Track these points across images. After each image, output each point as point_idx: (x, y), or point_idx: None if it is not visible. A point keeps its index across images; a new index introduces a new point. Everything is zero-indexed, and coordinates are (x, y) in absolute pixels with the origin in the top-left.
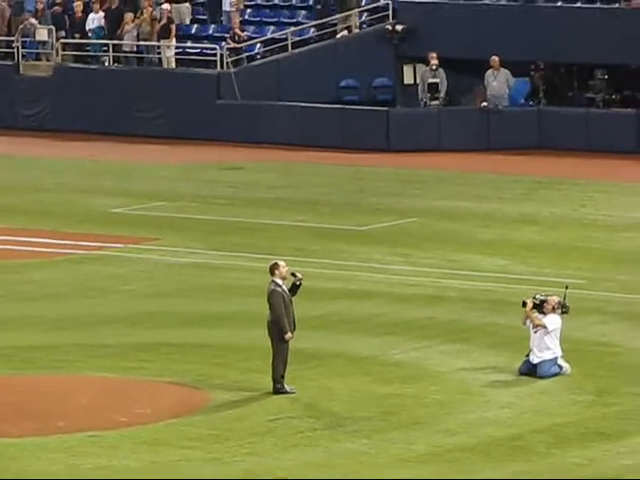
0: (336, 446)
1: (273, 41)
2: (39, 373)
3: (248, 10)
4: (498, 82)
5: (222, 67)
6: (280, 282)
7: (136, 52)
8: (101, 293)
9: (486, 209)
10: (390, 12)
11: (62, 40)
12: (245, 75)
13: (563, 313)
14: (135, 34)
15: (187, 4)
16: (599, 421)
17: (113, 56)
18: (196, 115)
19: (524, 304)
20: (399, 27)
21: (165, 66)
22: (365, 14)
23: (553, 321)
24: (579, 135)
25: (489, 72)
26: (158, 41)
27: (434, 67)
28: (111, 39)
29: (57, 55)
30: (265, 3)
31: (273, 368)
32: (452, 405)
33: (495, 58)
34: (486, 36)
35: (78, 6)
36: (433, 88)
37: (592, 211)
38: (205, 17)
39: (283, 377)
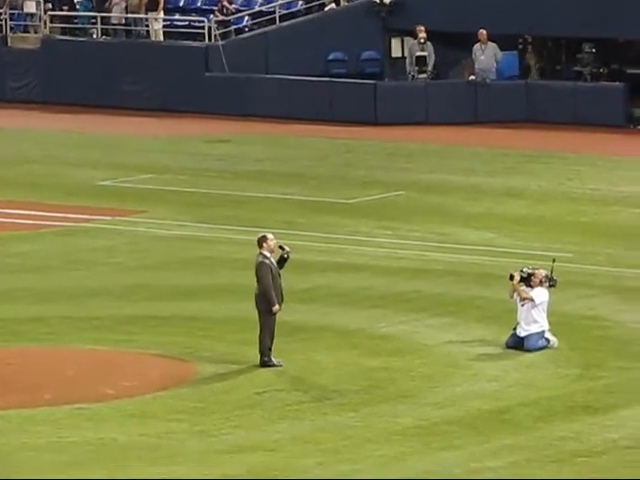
0: (323, 419)
1: (261, 14)
2: (26, 345)
3: None
4: (486, 56)
5: (210, 40)
6: (268, 254)
7: (124, 25)
8: (88, 265)
9: (474, 182)
10: None
11: (50, 12)
12: (233, 48)
13: (550, 286)
14: (123, 6)
15: None
16: (586, 394)
17: (101, 29)
18: (184, 88)
19: (511, 277)
20: (387, 0)
21: (153, 39)
22: None
23: (540, 294)
24: (567, 109)
25: (477, 46)
26: (146, 14)
27: (422, 40)
28: (99, 11)
29: (45, 27)
30: None
31: (260, 341)
32: (439, 378)
33: (483, 32)
34: (474, 9)
35: None
36: (421, 61)
37: (580, 185)
38: None
39: (270, 350)
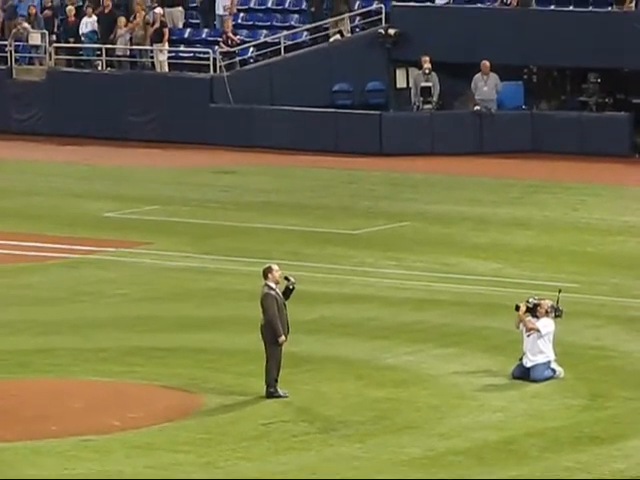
0: (329, 450)
1: (266, 45)
2: (31, 377)
3: (241, 14)
4: (488, 86)
5: (215, 71)
6: (273, 286)
7: (129, 56)
8: (94, 297)
9: (479, 213)
10: (383, 16)
11: (55, 44)
12: (238, 79)
13: (556, 317)
14: (128, 38)
15: (180, 8)
16: (592, 425)
17: (106, 60)
18: (189, 119)
19: (517, 308)
20: (392, 31)
21: (158, 70)
22: (358, 18)
23: (546, 325)
24: (572, 139)
25: (478, 76)
26: (151, 45)
27: (427, 71)
28: (104, 43)
29: (50, 59)
30: (258, 7)
31: (266, 372)
32: (445, 409)
33: (486, 63)
34: (479, 40)
35: (71, 10)
36: (426, 92)
37: (585, 215)
38: (198, 21)
39: (276, 381)
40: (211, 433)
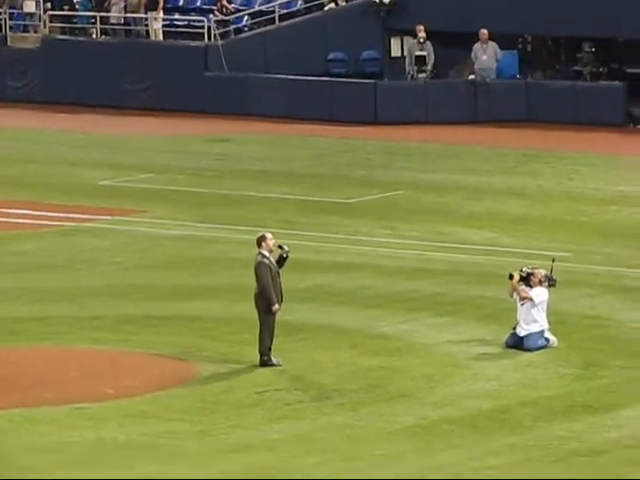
0: (323, 419)
1: (261, 13)
2: (26, 345)
3: None
4: (487, 55)
5: (210, 39)
6: (267, 254)
7: (123, 24)
8: (88, 265)
9: (473, 182)
10: None
11: (49, 12)
12: (233, 47)
13: (550, 286)
14: (122, 6)
15: None
16: (586, 394)
17: (100, 28)
18: (184, 87)
19: (511, 277)
20: (386, 0)
21: (153, 38)
22: None
23: (540, 294)
24: (567, 108)
25: (477, 45)
26: (145, 13)
27: (421, 40)
28: (98, 11)
29: (45, 27)
30: None
31: (260, 340)
32: (438, 378)
33: (484, 31)
34: (473, 9)
35: None
36: (420, 61)
37: (579, 184)
38: None
39: (270, 349)
40: (205, 401)
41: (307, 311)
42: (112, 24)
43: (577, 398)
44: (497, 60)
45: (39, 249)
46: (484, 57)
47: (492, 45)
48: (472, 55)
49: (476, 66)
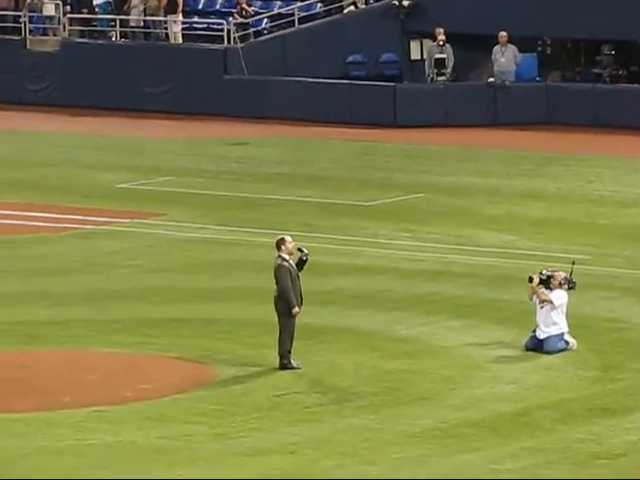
0: (342, 422)
1: (280, 16)
2: (45, 349)
3: None
4: (506, 58)
5: (229, 42)
6: (287, 257)
7: (143, 27)
8: (107, 268)
9: (493, 185)
10: None
11: (69, 15)
12: (252, 50)
13: (570, 289)
14: (142, 9)
15: None
16: (605, 397)
17: (120, 31)
18: (203, 90)
19: (530, 279)
20: (406, 2)
21: (172, 41)
22: None
23: (559, 296)
24: (586, 111)
25: (496, 48)
26: (165, 16)
27: (441, 42)
28: (118, 14)
29: (64, 30)
30: None
31: (280, 343)
32: (458, 380)
33: (503, 34)
34: (493, 11)
35: None
36: (440, 64)
37: (599, 187)
38: None
39: (290, 352)
40: (224, 404)
41: (327, 314)
42: (131, 27)
43: (596, 401)
44: (516, 63)
45: (57, 252)
46: (503, 60)
47: (511, 48)
48: (492, 57)
49: (495, 69)
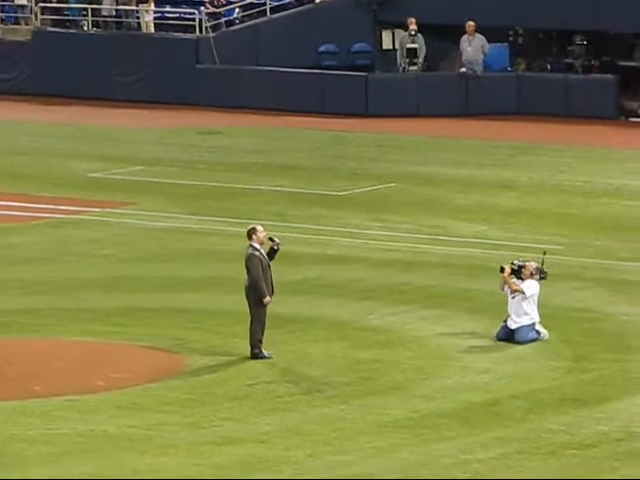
0: (314, 411)
1: (252, 6)
2: (15, 337)
3: None
4: (473, 48)
5: (201, 32)
6: (258, 246)
7: (115, 17)
8: (78, 257)
9: (464, 174)
10: None
11: (41, 4)
12: (224, 40)
13: (541, 279)
14: None
15: None
16: (576, 387)
17: (92, 21)
18: (175, 80)
19: (502, 270)
20: None
21: (144, 31)
22: None
23: (531, 287)
24: (558, 101)
25: (464, 37)
26: (137, 6)
27: (413, 32)
28: (90, 3)
29: (36, 19)
30: None
31: (251, 333)
32: (429, 370)
33: (471, 23)
34: (465, 1)
35: None
36: (412, 53)
37: (570, 177)
38: None
39: (261, 342)
40: (196, 394)
41: (298, 304)
42: (103, 16)
43: (568, 391)
44: (484, 52)
45: (29, 241)
46: (470, 49)
47: (479, 37)
48: (460, 47)
49: (463, 58)
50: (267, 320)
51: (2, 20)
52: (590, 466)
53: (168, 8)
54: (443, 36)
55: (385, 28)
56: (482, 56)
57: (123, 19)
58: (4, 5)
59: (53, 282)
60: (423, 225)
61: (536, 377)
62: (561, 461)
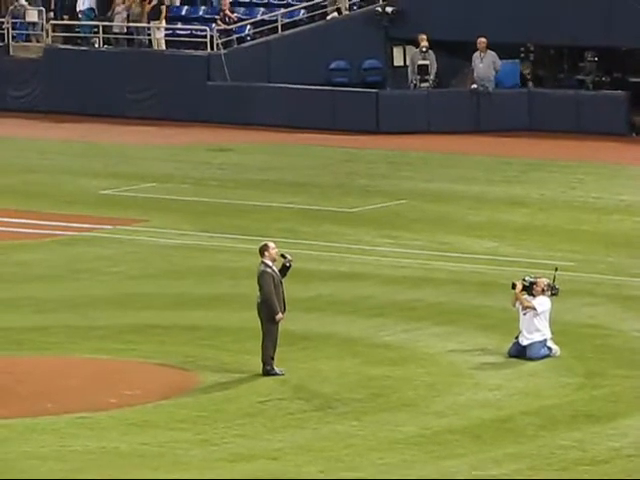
0: (325, 428)
1: (263, 23)
2: (27, 355)
3: None
4: (485, 64)
5: (212, 49)
6: (270, 263)
7: (126, 34)
8: (90, 275)
9: (476, 191)
10: None
11: (52, 21)
12: (235, 57)
13: (552, 295)
14: (125, 15)
15: None
16: (588, 403)
17: (103, 38)
18: (186, 97)
19: (513, 286)
20: (389, 9)
21: (155, 48)
22: None
23: (542, 303)
24: (569, 117)
25: (476, 54)
26: (148, 22)
27: (424, 49)
28: (101, 21)
29: (47, 36)
30: None
31: (263, 350)
32: (441, 387)
33: (482, 40)
34: (476, 18)
35: None
36: (423, 70)
37: (582, 193)
38: None
39: (273, 359)
40: (207, 411)
41: (310, 320)
42: (115, 33)
43: (580, 407)
44: (496, 69)
45: (40, 259)
46: (481, 65)
47: (490, 54)
48: (472, 64)
49: (475, 75)
50: (279, 337)
51: (13, 37)
52: None
53: (179, 25)
54: (454, 52)
55: (396, 45)
56: (494, 72)
57: (134, 36)
58: (15, 22)
59: (65, 300)
60: (434, 242)
61: (548, 393)
62: (573, 477)
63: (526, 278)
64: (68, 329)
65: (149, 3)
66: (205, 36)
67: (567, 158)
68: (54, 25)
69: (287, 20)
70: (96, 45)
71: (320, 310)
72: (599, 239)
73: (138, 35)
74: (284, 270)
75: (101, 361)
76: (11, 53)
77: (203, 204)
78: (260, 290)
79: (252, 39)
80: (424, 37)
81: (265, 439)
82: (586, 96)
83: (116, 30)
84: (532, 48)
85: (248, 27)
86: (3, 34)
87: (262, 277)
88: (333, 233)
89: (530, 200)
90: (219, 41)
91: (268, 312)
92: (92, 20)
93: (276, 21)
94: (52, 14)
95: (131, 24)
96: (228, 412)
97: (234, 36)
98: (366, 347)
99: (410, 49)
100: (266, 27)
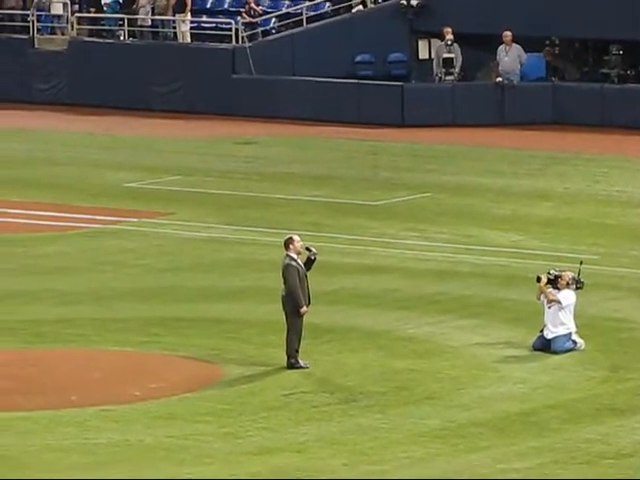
0: (350, 421)
1: (288, 16)
2: (52, 347)
3: None
4: (510, 57)
5: (237, 42)
6: (295, 256)
7: (151, 26)
8: (115, 267)
9: (500, 184)
10: None
11: (77, 14)
12: (260, 50)
13: (577, 289)
14: (150, 8)
15: None
16: (613, 397)
17: (128, 30)
18: (211, 90)
19: (538, 279)
20: (414, 2)
21: (180, 40)
22: None
23: (567, 296)
24: (594, 111)
25: (501, 47)
26: (173, 15)
27: (449, 42)
28: (126, 13)
29: (72, 29)
30: None
31: (287, 343)
32: (466, 380)
33: (508, 33)
34: (501, 11)
35: None
36: (448, 63)
37: (606, 187)
38: None
39: (297, 352)
40: (232, 403)
41: (334, 313)
42: (140, 26)
43: (604, 401)
44: (521, 63)
45: (65, 251)
46: (507, 59)
47: (516, 47)
48: (497, 57)
49: (500, 68)
50: (304, 330)
51: (39, 30)
52: (627, 476)
53: (205, 18)
54: (479, 46)
55: (421, 38)
56: (519, 66)
57: (159, 29)
58: (40, 15)
59: (89, 292)
60: (459, 235)
61: (573, 387)
62: (598, 471)
63: (551, 271)
64: (93, 322)
65: None
66: (230, 29)
67: (591, 151)
68: (79, 18)
69: (312, 13)
70: (121, 38)
71: (344, 303)
72: (623, 233)
73: (163, 28)
74: (309, 263)
75: (125, 354)
76: (36, 46)
77: (228, 197)
78: (285, 283)
79: (277, 32)
80: (449, 30)
81: (289, 432)
82: (611, 89)
83: (141, 23)
84: (557, 41)
85: (273, 20)
86: (28, 27)
87: (287, 270)
88: (357, 226)
89: (554, 193)
90: (244, 34)
91: (293, 305)
92: (117, 13)
93: (301, 14)
94: (77, 7)
95: (156, 17)
96: (252, 405)
97: (259, 29)
98: (390, 340)
99: (435, 42)
100: (291, 20)
